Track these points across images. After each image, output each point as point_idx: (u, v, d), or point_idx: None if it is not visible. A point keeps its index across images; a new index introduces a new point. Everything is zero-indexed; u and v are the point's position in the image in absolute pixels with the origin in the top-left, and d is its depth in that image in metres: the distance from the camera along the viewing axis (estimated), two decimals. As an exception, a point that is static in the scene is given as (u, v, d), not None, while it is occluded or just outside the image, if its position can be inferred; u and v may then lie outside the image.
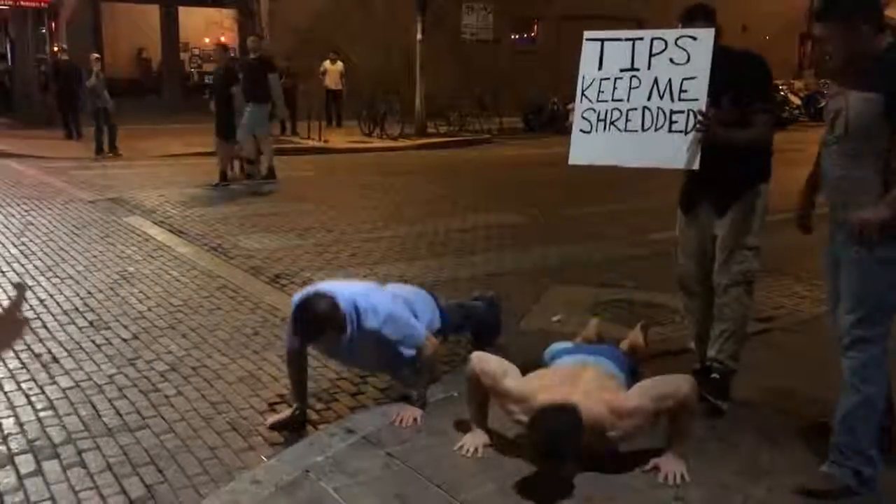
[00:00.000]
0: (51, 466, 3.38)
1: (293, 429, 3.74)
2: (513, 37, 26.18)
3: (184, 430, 3.74)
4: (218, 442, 3.63)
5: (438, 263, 6.95)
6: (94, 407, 3.95)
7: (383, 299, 3.74)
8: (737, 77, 3.48)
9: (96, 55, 15.25)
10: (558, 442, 2.90)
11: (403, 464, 3.24)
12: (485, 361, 3.37)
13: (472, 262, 7.01)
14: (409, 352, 3.72)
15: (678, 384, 3.12)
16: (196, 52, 23.66)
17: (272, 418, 3.82)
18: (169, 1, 21.57)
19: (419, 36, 18.74)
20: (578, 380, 3.21)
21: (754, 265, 3.68)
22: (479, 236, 8.14)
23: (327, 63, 19.86)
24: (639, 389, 3.16)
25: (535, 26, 26.95)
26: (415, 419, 3.61)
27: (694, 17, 3.55)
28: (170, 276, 6.35)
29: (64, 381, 4.25)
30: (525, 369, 3.40)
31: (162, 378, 4.33)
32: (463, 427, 3.49)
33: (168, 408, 3.97)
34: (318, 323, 3.47)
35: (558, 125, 21.05)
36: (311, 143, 17.28)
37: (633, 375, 3.46)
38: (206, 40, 23.47)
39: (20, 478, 3.28)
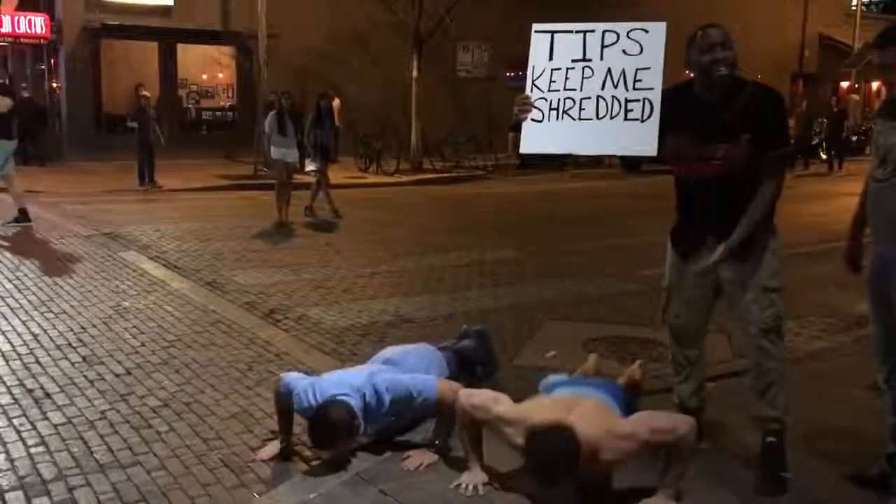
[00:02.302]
0: (41, 503, 3.35)
1: (283, 459, 3.76)
2: (507, 74, 26.43)
3: (176, 466, 3.71)
4: (210, 479, 3.60)
5: (434, 299, 6.95)
6: (85, 443, 3.92)
7: (381, 382, 3.73)
8: (754, 114, 3.28)
9: (145, 92, 16.00)
10: (555, 461, 2.89)
11: (396, 501, 3.22)
12: (473, 396, 3.38)
13: (467, 298, 7.01)
14: (429, 395, 3.68)
15: (676, 422, 3.10)
16: (194, 88, 23.86)
17: (262, 452, 3.81)
18: (168, 38, 21.78)
19: (415, 73, 18.94)
20: (575, 406, 3.21)
21: (781, 308, 3.42)
22: (474, 272, 8.15)
23: (324, 100, 20.03)
24: (637, 417, 3.16)
25: (530, 64, 27.20)
26: (421, 464, 3.55)
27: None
28: (164, 312, 6.34)
29: (56, 417, 4.22)
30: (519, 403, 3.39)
31: (154, 414, 4.31)
32: (457, 464, 3.48)
33: (160, 444, 3.94)
34: (334, 432, 3.50)
35: (556, 162, 21.21)
36: (306, 178, 17.33)
37: (629, 412, 3.45)
38: (204, 77, 23.69)
39: (9, 515, 3.25)
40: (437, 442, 3.67)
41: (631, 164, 21.02)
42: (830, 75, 31.41)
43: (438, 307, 6.67)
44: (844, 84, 31.28)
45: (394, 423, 3.84)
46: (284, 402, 3.79)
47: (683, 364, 3.73)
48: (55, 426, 4.11)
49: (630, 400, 3.67)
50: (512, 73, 26.90)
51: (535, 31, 3.58)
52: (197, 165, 18.09)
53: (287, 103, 11.57)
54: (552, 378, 3.79)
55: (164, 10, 21.42)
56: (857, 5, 30.54)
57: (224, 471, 3.68)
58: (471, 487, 3.29)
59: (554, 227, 11.35)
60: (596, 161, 22.88)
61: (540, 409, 3.21)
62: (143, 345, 5.49)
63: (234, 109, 23.85)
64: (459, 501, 3.23)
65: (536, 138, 3.55)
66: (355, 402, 3.59)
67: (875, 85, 35.24)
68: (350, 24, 20.23)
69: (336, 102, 20.25)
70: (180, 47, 22.43)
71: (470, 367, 4.60)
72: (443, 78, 21.23)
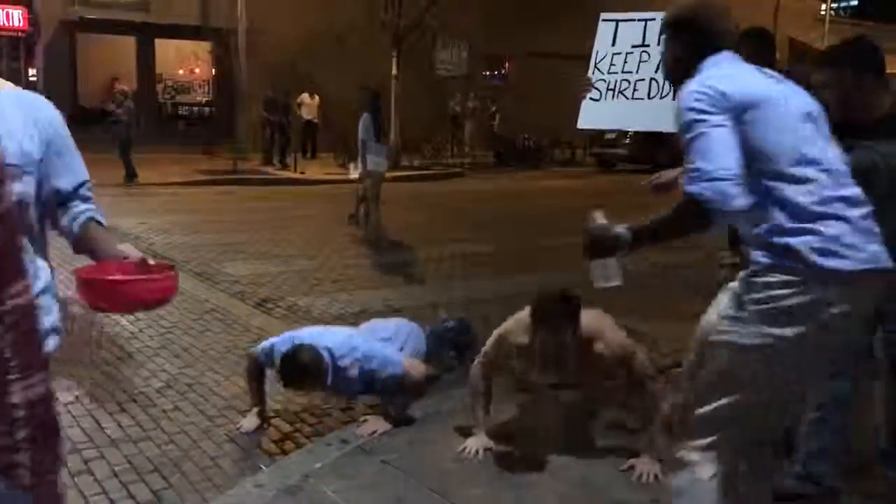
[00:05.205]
0: (59, 474, 3.52)
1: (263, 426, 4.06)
2: (484, 73, 26.72)
3: (184, 441, 3.91)
4: (218, 452, 3.81)
5: (419, 289, 7.18)
6: (95, 420, 4.10)
7: (357, 343, 4.03)
8: None
9: (123, 87, 15.90)
10: (557, 307, 3.24)
11: (398, 470, 3.44)
12: (482, 353, 3.73)
13: (452, 288, 7.24)
14: (394, 371, 3.98)
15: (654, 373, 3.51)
16: (170, 83, 23.88)
17: (244, 425, 4.05)
18: (146, 33, 21.77)
19: (394, 71, 19.12)
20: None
21: None
22: (456, 264, 8.38)
23: (305, 96, 20.20)
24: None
25: (506, 63, 27.54)
26: (374, 431, 3.81)
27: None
28: (158, 300, 6.48)
29: (63, 397, 4.38)
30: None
31: (159, 394, 4.49)
32: (454, 437, 3.71)
33: (167, 421, 4.13)
34: (303, 373, 3.78)
35: (531, 160, 21.58)
36: (286, 174, 17.48)
37: None
38: (181, 72, 23.70)
39: (30, 484, 3.42)
40: (391, 412, 3.95)
41: (606, 163, 21.44)
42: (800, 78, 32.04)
43: (424, 297, 6.89)
44: (813, 87, 31.94)
45: (362, 390, 4.10)
46: (262, 364, 4.05)
47: None
48: (64, 405, 4.27)
49: None
50: (487, 73, 27.26)
51: (602, 20, 3.88)
52: (175, 160, 18.11)
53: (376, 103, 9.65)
54: None
55: (142, 5, 21.43)
56: (826, 11, 31.23)
57: (230, 445, 3.89)
58: (474, 451, 3.57)
59: (532, 223, 11.59)
60: (571, 159, 23.28)
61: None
62: (140, 331, 5.65)
63: (212, 105, 23.90)
64: (455, 469, 3.46)
65: (593, 115, 3.87)
66: (326, 357, 3.84)
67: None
68: (329, 22, 20.34)
69: (315, 100, 20.43)
70: (158, 42, 22.43)
71: (451, 345, 4.87)
72: (421, 76, 21.43)
